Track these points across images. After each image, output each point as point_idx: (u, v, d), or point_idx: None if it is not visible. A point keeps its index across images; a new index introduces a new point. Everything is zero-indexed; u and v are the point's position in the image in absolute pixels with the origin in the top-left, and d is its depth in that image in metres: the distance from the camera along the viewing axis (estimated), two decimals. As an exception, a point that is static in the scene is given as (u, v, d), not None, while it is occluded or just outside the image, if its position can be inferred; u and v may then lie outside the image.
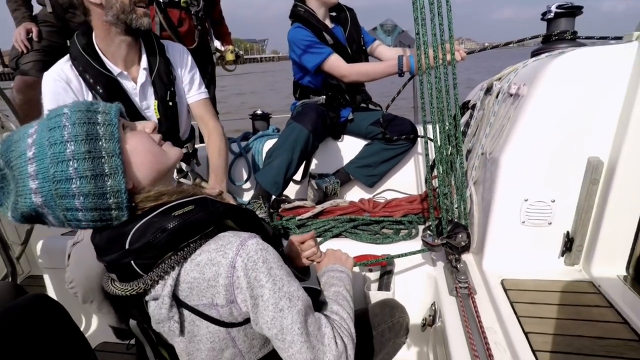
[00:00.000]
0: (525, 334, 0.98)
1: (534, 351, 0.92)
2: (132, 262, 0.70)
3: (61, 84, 1.35)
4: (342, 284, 0.92)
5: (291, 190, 2.24)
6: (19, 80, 2.32)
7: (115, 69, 1.41)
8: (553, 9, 1.37)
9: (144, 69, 1.46)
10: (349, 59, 2.00)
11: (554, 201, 1.26)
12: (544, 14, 1.43)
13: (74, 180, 0.66)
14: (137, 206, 0.73)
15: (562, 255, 1.30)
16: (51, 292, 1.86)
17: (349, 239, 1.68)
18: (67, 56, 1.40)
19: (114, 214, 0.71)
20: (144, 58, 1.46)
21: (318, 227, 1.76)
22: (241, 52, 2.85)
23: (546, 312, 1.06)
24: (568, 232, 1.27)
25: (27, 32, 2.30)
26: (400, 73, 1.84)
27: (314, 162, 2.28)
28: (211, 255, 0.70)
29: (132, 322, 0.82)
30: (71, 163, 0.66)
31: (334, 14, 2.12)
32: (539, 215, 1.28)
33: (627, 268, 1.21)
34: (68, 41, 1.43)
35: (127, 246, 0.69)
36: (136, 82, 1.45)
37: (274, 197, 1.93)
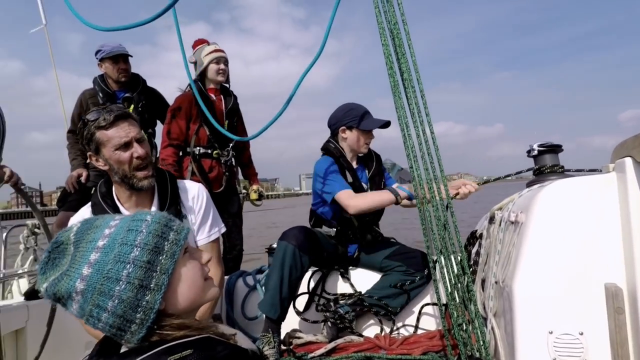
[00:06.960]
0: None
1: None
2: None
3: None
4: None
5: (303, 325, 2.15)
6: (62, 216, 2.58)
7: (126, 213, 1.54)
8: (535, 147, 1.51)
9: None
10: None
11: (582, 334, 1.17)
12: (528, 152, 1.57)
13: (121, 283, 0.68)
14: (155, 329, 0.72)
15: None
16: None
17: (364, 381, 1.54)
18: (90, 202, 1.57)
19: (133, 328, 0.70)
20: (155, 200, 1.60)
21: (331, 366, 1.64)
22: (264, 192, 3.13)
23: None
24: None
25: (78, 176, 2.70)
26: (397, 202, 1.92)
27: (327, 293, 2.23)
28: None
29: None
30: (128, 267, 0.68)
31: (361, 154, 2.25)
32: (570, 350, 1.16)
33: None
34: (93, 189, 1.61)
35: None
36: None
37: (284, 332, 1.85)
